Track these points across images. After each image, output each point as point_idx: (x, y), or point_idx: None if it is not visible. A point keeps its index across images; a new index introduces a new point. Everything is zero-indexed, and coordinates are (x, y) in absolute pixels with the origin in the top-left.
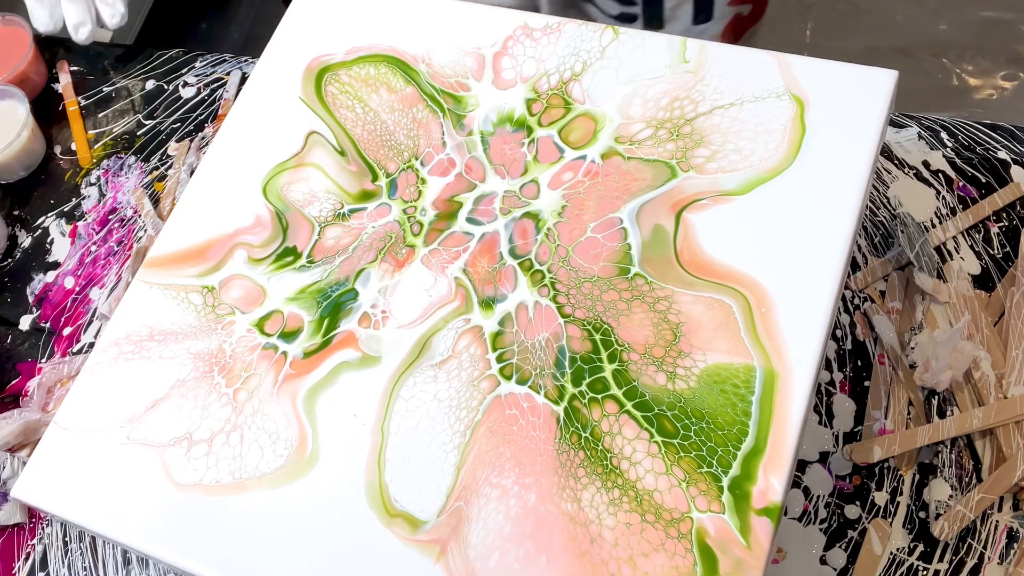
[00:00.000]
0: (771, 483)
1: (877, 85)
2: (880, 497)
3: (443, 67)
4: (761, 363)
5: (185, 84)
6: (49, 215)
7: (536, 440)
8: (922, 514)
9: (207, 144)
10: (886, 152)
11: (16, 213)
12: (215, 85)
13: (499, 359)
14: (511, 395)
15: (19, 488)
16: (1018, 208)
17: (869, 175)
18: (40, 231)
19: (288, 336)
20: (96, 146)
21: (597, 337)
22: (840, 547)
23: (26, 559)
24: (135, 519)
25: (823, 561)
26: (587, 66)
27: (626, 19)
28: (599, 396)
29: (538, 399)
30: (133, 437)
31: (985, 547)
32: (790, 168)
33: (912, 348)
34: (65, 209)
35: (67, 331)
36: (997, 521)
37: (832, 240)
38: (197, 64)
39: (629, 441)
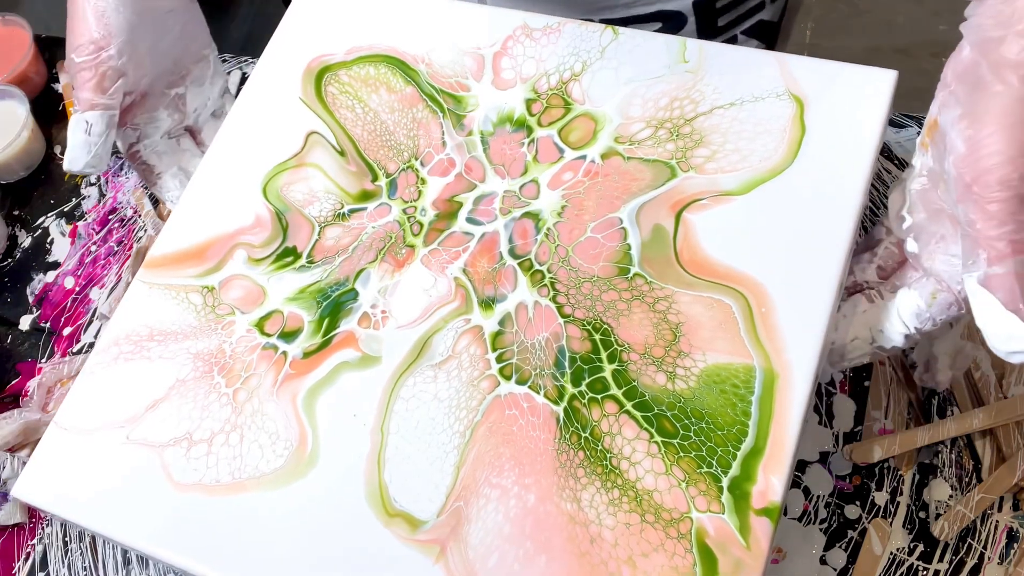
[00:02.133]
0: (771, 483)
1: (877, 85)
2: (880, 497)
3: (443, 67)
4: (761, 363)
5: None
6: (49, 215)
7: (536, 440)
8: (922, 514)
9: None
10: (886, 152)
11: (16, 213)
12: None
13: (499, 359)
14: (511, 395)
15: (19, 488)
16: None
17: (869, 175)
18: (40, 231)
19: (288, 336)
20: None
21: (597, 337)
22: (840, 547)
23: (26, 559)
24: (135, 519)
25: (823, 561)
26: (587, 66)
27: None
28: (599, 396)
29: (538, 399)
30: (133, 437)
31: (985, 547)
32: (790, 168)
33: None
34: (65, 209)
35: (67, 331)
36: (997, 521)
37: (832, 240)
38: None
39: (629, 441)
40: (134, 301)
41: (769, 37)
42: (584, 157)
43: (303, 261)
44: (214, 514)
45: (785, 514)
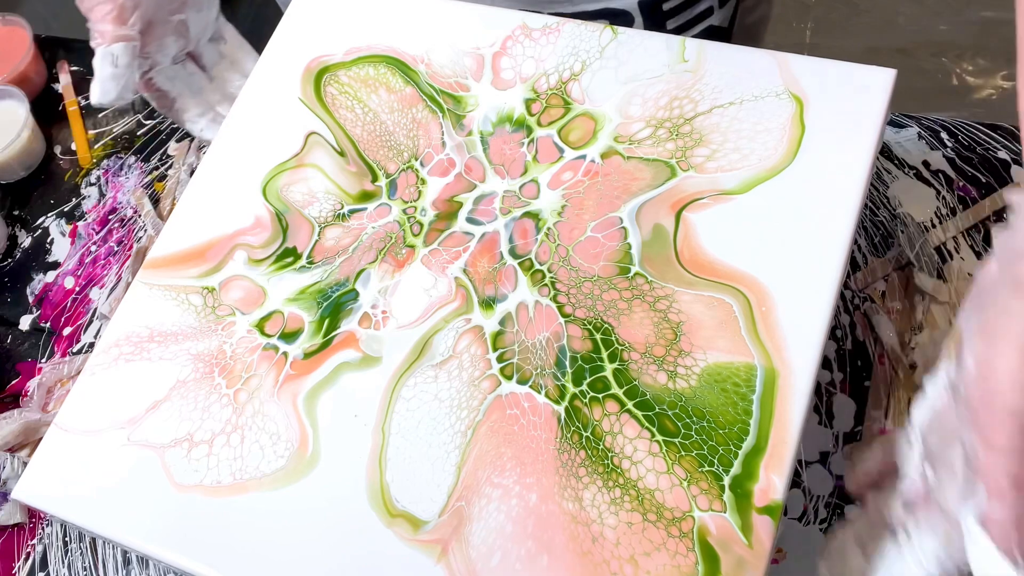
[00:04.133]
0: (772, 481)
1: (876, 84)
2: None
3: (442, 67)
4: (762, 362)
5: None
6: (49, 215)
7: (537, 440)
8: None
9: (207, 144)
10: (886, 152)
11: (16, 213)
12: None
13: (500, 359)
14: (512, 395)
15: (20, 490)
16: None
17: (868, 173)
18: (40, 231)
19: (288, 337)
20: (96, 146)
21: (598, 336)
22: None
23: (26, 559)
24: (136, 520)
25: (823, 561)
26: (586, 66)
27: None
28: (600, 395)
29: (539, 399)
30: (133, 438)
31: None
32: (789, 167)
33: (912, 348)
34: (65, 209)
35: (67, 331)
36: None
37: (832, 238)
38: None
39: (630, 440)
40: (134, 302)
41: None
42: (584, 157)
43: (303, 262)
44: (215, 515)
45: (785, 514)
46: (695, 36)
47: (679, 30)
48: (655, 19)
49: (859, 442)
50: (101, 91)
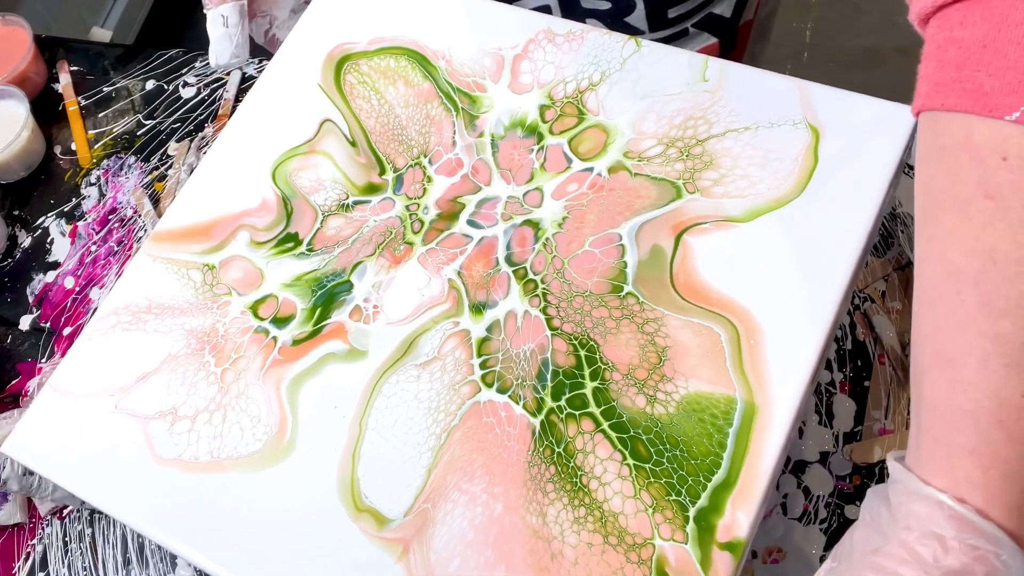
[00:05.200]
0: (738, 518)
1: (896, 121)
2: None
3: (462, 65)
4: (743, 396)
5: (185, 84)
6: (49, 215)
7: (509, 450)
8: None
9: (207, 144)
10: None
11: (16, 213)
12: (215, 85)
13: (483, 365)
14: (490, 403)
15: (8, 445)
16: None
17: (877, 214)
18: (40, 231)
19: (280, 322)
20: (96, 146)
21: (582, 353)
22: None
23: (26, 559)
24: (114, 487)
25: (823, 561)
26: (605, 76)
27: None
28: (577, 412)
29: (516, 409)
30: (121, 406)
31: None
32: (797, 199)
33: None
34: (65, 209)
35: (67, 331)
36: None
37: (830, 278)
38: (197, 64)
39: (601, 461)
40: (137, 272)
41: (724, 33)
42: (591, 169)
43: (303, 248)
44: (188, 490)
45: (785, 514)
46: (697, 24)
47: (682, 19)
48: (657, 4)
49: (859, 442)
50: (216, 52)
